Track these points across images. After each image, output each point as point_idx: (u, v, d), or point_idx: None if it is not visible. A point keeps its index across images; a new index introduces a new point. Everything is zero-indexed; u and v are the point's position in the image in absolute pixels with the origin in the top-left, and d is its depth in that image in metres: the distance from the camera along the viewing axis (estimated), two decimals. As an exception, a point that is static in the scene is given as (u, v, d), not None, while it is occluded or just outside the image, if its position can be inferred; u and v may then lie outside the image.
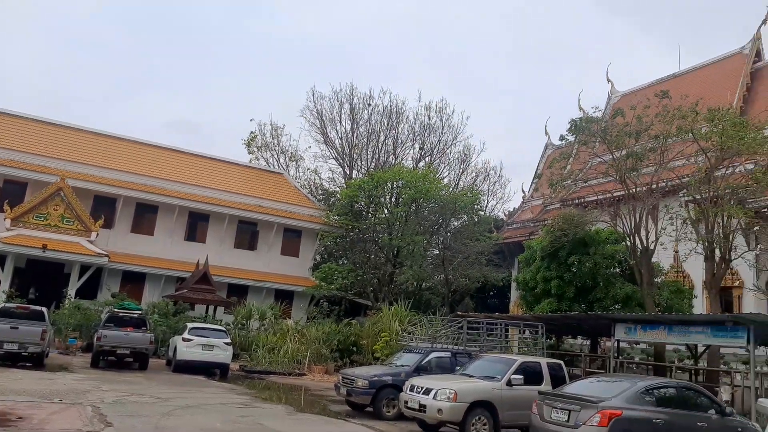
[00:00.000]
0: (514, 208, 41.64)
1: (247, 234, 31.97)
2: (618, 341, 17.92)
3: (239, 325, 25.06)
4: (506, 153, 78.51)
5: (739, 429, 10.08)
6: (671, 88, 23.87)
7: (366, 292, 30.34)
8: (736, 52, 32.35)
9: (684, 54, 77.97)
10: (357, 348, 23.25)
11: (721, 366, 19.39)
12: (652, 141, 20.44)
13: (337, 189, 39.26)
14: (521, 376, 11.93)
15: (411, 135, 40.62)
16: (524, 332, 20.33)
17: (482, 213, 35.54)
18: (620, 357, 20.51)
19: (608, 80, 38.89)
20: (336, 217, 32.04)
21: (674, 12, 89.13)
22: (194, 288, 25.09)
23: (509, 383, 11.86)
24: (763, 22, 31.10)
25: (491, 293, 37.32)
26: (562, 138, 23.05)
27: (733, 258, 19.35)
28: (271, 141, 44.90)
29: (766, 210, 19.21)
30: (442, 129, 40.74)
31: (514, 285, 30.43)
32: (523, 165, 78.52)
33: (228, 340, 19.59)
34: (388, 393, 13.41)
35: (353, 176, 38.53)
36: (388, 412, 13.37)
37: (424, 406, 11.47)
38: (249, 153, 45.15)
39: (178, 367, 18.59)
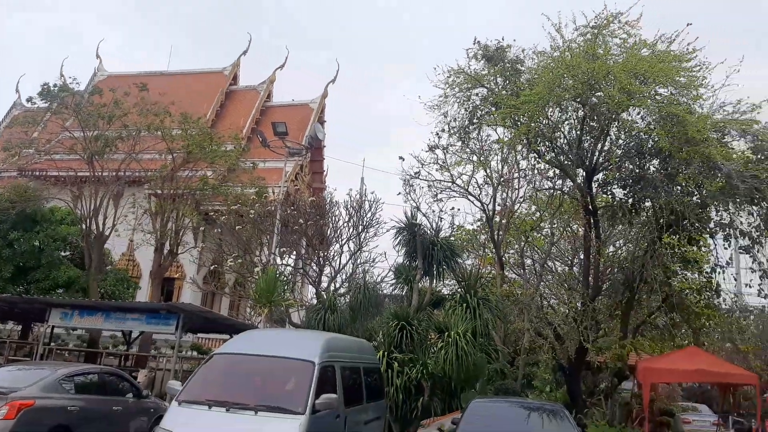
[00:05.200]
0: (-46, 167, 34.41)
1: None
2: (53, 327, 17.19)
3: None
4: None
5: (152, 410, 11.02)
6: (156, 85, 24.69)
7: None
8: (219, 70, 36.01)
9: (177, 57, 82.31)
10: None
11: (152, 351, 20.81)
12: (125, 129, 20.63)
13: None
14: None
15: None
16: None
17: None
18: (54, 344, 19.57)
19: (98, 56, 37.05)
20: None
21: (188, 15, 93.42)
22: None
23: None
24: (244, 53, 35.92)
25: None
26: (30, 100, 20.70)
27: (180, 252, 21.34)
28: None
29: (213, 214, 21.93)
30: None
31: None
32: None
33: None
34: None
35: None
36: None
37: None
38: None
39: None
